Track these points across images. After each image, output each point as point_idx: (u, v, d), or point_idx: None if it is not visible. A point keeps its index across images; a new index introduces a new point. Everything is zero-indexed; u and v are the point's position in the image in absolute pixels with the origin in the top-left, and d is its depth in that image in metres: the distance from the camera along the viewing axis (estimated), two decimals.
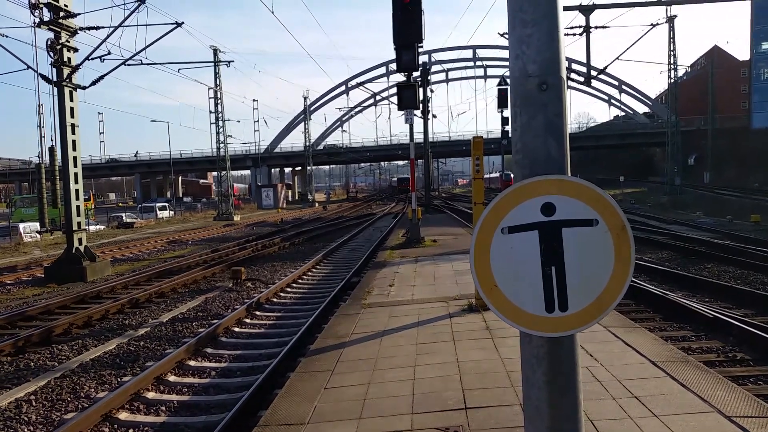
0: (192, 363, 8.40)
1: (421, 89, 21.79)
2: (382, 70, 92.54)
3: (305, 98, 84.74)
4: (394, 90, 17.46)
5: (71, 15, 18.39)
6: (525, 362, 2.06)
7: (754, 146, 58.49)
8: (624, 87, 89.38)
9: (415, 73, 17.08)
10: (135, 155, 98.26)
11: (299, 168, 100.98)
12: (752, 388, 6.03)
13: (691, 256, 16.68)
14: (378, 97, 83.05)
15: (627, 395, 4.84)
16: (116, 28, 19.04)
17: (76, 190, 19.20)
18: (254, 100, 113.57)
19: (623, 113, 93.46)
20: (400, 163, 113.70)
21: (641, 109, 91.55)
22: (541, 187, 1.95)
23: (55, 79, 18.43)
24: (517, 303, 2.00)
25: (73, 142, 18.94)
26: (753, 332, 7.55)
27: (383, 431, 4.52)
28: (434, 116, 64.22)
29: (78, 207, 19.33)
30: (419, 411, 4.86)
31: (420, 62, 18.10)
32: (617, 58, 23.85)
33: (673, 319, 9.12)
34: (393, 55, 14.94)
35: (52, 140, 19.86)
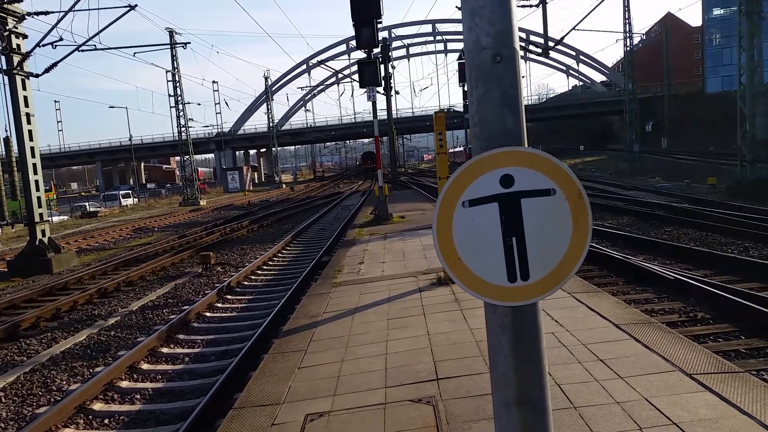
0: (165, 350, 8.36)
1: (382, 66, 21.68)
2: (343, 47, 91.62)
3: (266, 78, 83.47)
4: (355, 67, 17.32)
5: None
6: (490, 332, 2.10)
7: (708, 111, 59.66)
8: (581, 57, 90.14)
9: (376, 50, 16.99)
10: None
11: (264, 149, 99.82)
12: (712, 346, 6.27)
13: (651, 221, 17.11)
14: (340, 75, 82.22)
15: (593, 359, 5.00)
16: (66, 12, 18.46)
17: (36, 181, 18.74)
18: (214, 82, 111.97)
19: (582, 83, 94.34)
20: (366, 140, 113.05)
21: (599, 78, 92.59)
22: (499, 160, 1.98)
23: (5, 67, 17.83)
24: (480, 274, 2.03)
25: (30, 132, 18.42)
26: (712, 291, 7.81)
27: (357, 406, 4.59)
28: (397, 92, 64.07)
29: (39, 198, 18.89)
30: (392, 385, 4.94)
31: (380, 38, 17.97)
32: (574, 29, 24.07)
33: (635, 282, 9.37)
34: (353, 32, 14.83)
35: (6, 131, 19.35)
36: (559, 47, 72.20)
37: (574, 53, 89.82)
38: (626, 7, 56.85)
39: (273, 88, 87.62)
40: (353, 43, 17.06)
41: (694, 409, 3.88)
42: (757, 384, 4.20)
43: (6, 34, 17.54)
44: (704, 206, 20.09)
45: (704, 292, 7.93)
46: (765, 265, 9.53)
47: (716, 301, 7.61)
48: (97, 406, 6.49)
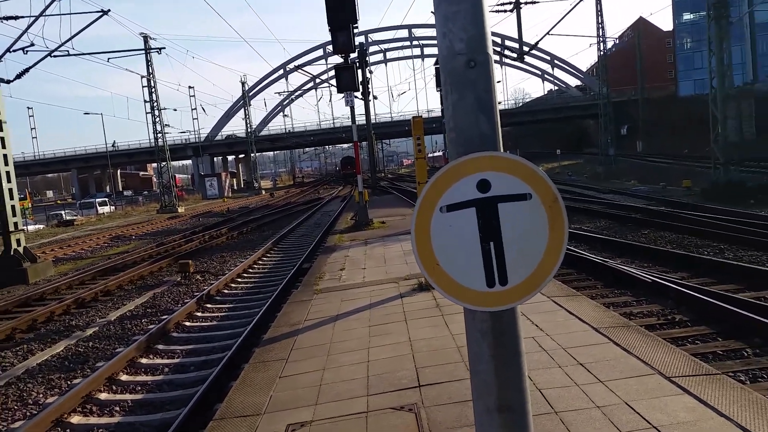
0: (144, 361, 8.25)
1: (359, 70, 21.69)
2: (320, 52, 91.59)
3: (243, 83, 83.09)
4: (333, 72, 17.33)
5: None
6: (470, 338, 2.11)
7: (681, 114, 60.56)
8: (556, 61, 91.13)
9: (353, 54, 17.00)
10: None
11: (242, 155, 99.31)
12: (690, 348, 6.33)
13: (627, 224, 17.29)
14: (318, 80, 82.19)
15: (572, 363, 5.02)
16: (37, 17, 18.24)
17: (10, 190, 18.43)
18: (190, 87, 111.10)
19: (557, 87, 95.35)
20: (345, 146, 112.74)
21: (574, 82, 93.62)
22: (475, 165, 1.98)
23: None
24: (459, 280, 2.03)
25: (2, 139, 18.14)
26: (689, 294, 7.89)
27: (339, 415, 4.56)
28: (375, 97, 64.13)
29: (13, 207, 18.59)
30: (374, 392, 4.92)
31: (357, 43, 18.02)
32: (548, 33, 24.35)
33: (613, 285, 9.45)
34: (329, 37, 14.83)
35: None
36: (534, 52, 72.81)
37: (549, 58, 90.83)
38: (599, 12, 57.65)
39: (250, 94, 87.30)
40: (330, 48, 17.04)
41: (674, 412, 3.91)
42: (734, 386, 4.25)
43: None
44: (680, 209, 20.38)
45: (682, 295, 8.00)
46: (740, 267, 9.67)
47: (693, 303, 7.69)
48: (75, 419, 6.37)
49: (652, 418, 3.86)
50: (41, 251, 24.14)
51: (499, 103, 2.13)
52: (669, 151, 54.35)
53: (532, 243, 2.02)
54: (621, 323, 6.01)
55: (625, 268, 10.03)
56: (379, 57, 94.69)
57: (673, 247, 12.87)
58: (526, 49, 27.04)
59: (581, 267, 10.73)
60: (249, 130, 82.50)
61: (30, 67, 19.33)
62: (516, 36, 24.70)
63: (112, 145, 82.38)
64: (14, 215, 18.62)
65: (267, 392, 5.25)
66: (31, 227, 38.98)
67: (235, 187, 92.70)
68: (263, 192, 78.18)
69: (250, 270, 15.02)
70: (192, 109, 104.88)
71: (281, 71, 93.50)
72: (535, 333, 5.89)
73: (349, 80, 15.79)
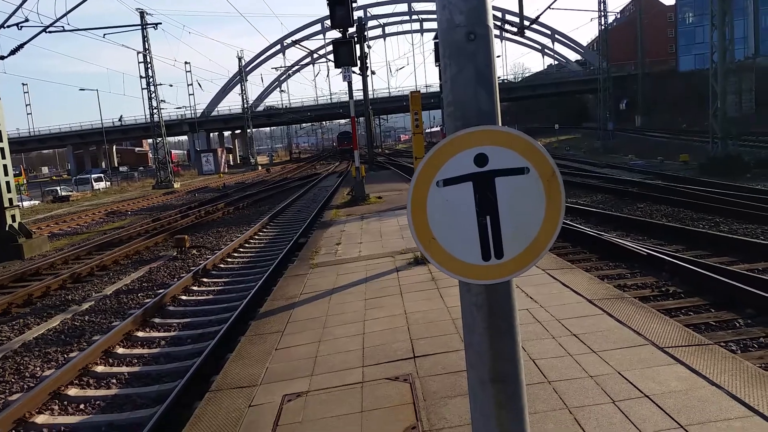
0: (140, 334, 8.30)
1: (357, 45, 21.48)
2: (318, 27, 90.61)
3: (240, 59, 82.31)
4: (330, 47, 17.18)
5: None
6: (465, 310, 2.12)
7: (681, 88, 60.34)
8: (557, 36, 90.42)
9: (351, 29, 16.82)
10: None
11: (239, 131, 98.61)
12: (683, 319, 6.40)
13: (624, 198, 17.34)
14: (315, 55, 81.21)
15: (566, 334, 5.07)
16: None
17: (4, 166, 18.32)
18: (186, 63, 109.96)
19: (557, 62, 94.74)
20: (342, 121, 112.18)
21: (574, 57, 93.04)
22: (473, 139, 1.97)
23: None
24: (454, 253, 2.04)
25: None
26: (683, 266, 7.96)
27: (335, 386, 4.62)
28: (373, 73, 63.59)
29: (8, 183, 18.49)
30: (370, 363, 4.97)
31: (355, 17, 17.82)
32: (549, 7, 24.04)
33: (608, 258, 9.51)
34: (328, 12, 14.66)
35: None
36: (534, 26, 72.11)
37: (549, 32, 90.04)
38: None
39: (247, 69, 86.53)
40: (328, 22, 16.85)
41: (666, 382, 3.97)
42: (725, 355, 4.31)
43: None
44: (676, 183, 20.41)
45: (676, 267, 8.07)
46: (735, 240, 9.73)
47: (687, 275, 7.76)
48: (72, 391, 6.43)
49: (645, 387, 3.92)
50: (37, 227, 24.12)
51: (499, 77, 2.12)
52: (668, 126, 54.23)
53: (528, 217, 2.02)
54: (615, 295, 6.06)
55: (620, 241, 10.07)
56: (378, 32, 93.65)
57: (668, 220, 12.92)
58: (526, 23, 26.79)
59: (577, 240, 10.78)
60: (245, 105, 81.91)
61: (24, 43, 19.08)
62: (516, 10, 24.44)
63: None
64: (9, 191, 18.54)
65: (263, 364, 5.30)
66: (26, 203, 38.88)
67: (232, 163, 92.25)
68: (260, 168, 77.87)
69: (246, 245, 15.04)
70: (188, 85, 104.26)
71: (278, 46, 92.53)
72: (529, 305, 5.93)
73: (347, 55, 15.65)
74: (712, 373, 4.02)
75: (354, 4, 14.59)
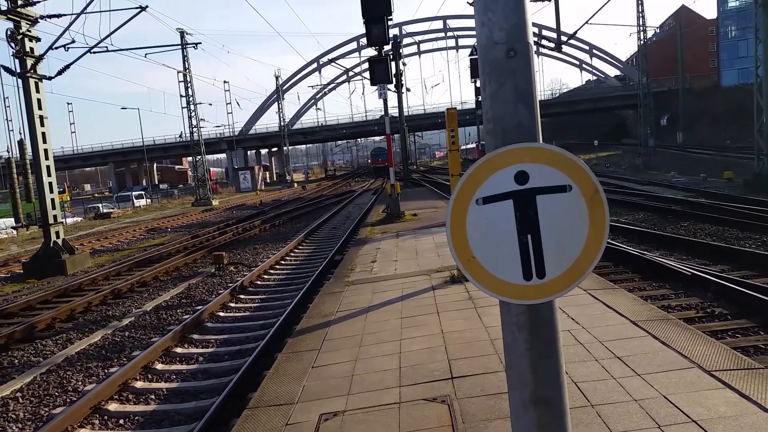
0: (179, 350, 8.39)
1: (393, 63, 21.60)
2: (353, 45, 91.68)
3: (277, 77, 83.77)
4: (366, 65, 17.29)
5: (30, 3, 17.88)
6: (506, 330, 2.07)
7: (724, 104, 59.07)
8: (595, 51, 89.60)
9: (386, 47, 16.94)
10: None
11: (275, 149, 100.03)
12: (730, 342, 6.17)
13: (667, 216, 16.94)
14: (351, 73, 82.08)
15: (609, 356, 4.94)
16: (78, 15, 18.61)
17: (50, 183, 18.88)
18: (225, 82, 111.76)
19: (595, 77, 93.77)
20: (377, 138, 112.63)
21: (612, 72, 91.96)
22: (513, 156, 1.94)
23: (18, 70, 17.98)
24: (494, 272, 2.00)
25: (43, 134, 18.57)
26: (730, 287, 7.71)
27: (372, 406, 4.57)
28: (408, 90, 63.98)
29: (53, 200, 19.05)
30: (407, 383, 4.91)
31: (390, 35, 17.90)
32: (587, 23, 23.87)
33: (651, 278, 9.28)
34: (363, 30, 14.78)
35: (20, 133, 19.44)
36: (572, 42, 71.71)
37: (587, 47, 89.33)
38: (640, 1, 56.35)
39: (284, 87, 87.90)
40: (364, 41, 17.00)
41: (714, 407, 3.82)
42: None
43: (20, 37, 17.68)
44: (720, 200, 19.87)
45: (722, 288, 7.82)
46: None
47: (734, 296, 7.51)
48: (112, 406, 6.51)
49: (692, 412, 3.77)
50: (79, 243, 24.76)
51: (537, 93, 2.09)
52: (710, 142, 53.05)
53: (571, 236, 1.98)
54: (659, 316, 5.89)
55: (663, 260, 9.82)
56: (413, 49, 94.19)
57: (713, 239, 12.57)
58: (564, 38, 26.60)
59: (619, 260, 10.55)
60: (282, 123, 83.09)
61: (71, 64, 19.74)
62: (553, 26, 24.28)
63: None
64: (53, 208, 19.08)
65: (300, 382, 5.29)
66: (69, 220, 39.97)
67: (268, 180, 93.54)
68: (295, 185, 78.74)
69: (282, 262, 15.14)
70: (227, 104, 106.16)
71: (314, 65, 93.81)
72: (571, 326, 5.80)
73: (382, 73, 15.73)
74: (763, 399, 3.85)
75: (390, 22, 14.67)
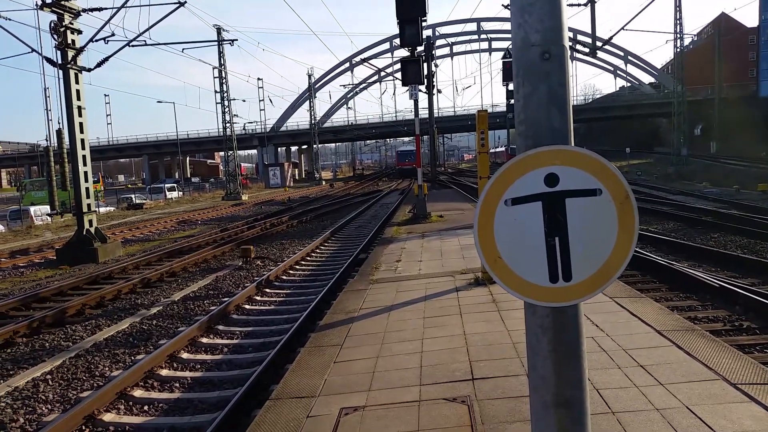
0: (204, 340, 8.52)
1: (425, 64, 21.60)
2: (386, 45, 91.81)
3: (309, 76, 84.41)
4: (398, 66, 17.32)
5: None
6: (530, 332, 2.08)
7: (761, 115, 57.76)
8: (630, 57, 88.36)
9: (419, 48, 16.95)
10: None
11: (305, 146, 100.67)
12: (758, 356, 6.07)
13: (697, 226, 16.66)
14: (382, 73, 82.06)
15: (632, 364, 4.89)
16: (119, 9, 18.95)
17: (85, 173, 19.28)
18: (259, 79, 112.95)
19: (629, 84, 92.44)
20: (406, 139, 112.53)
21: (647, 79, 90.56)
22: (544, 158, 1.95)
23: (59, 61, 18.39)
24: (521, 274, 2.01)
25: (80, 124, 18.96)
26: (759, 301, 7.56)
27: (392, 402, 4.60)
28: (439, 91, 63.79)
29: (87, 189, 19.44)
30: (427, 382, 4.93)
31: (424, 36, 17.92)
32: (622, 28, 23.58)
33: (679, 289, 9.15)
34: (397, 30, 14.83)
35: (59, 123, 19.99)
36: (606, 47, 70.86)
37: (622, 53, 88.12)
38: (677, 7, 55.41)
39: (316, 86, 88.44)
40: (397, 41, 17.04)
41: (738, 420, 3.77)
42: None
43: (62, 30, 18.08)
44: (753, 213, 19.46)
45: (751, 301, 7.68)
46: None
47: (763, 310, 7.37)
48: (138, 392, 6.65)
49: (715, 425, 3.73)
50: (111, 232, 25.21)
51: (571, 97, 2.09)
52: (745, 153, 51.90)
53: (599, 240, 1.98)
54: (685, 327, 5.81)
55: (691, 271, 9.68)
56: (446, 51, 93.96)
57: (743, 251, 12.33)
58: (599, 44, 26.33)
59: (646, 269, 10.42)
60: (313, 121, 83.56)
61: (110, 56, 20.13)
62: (588, 31, 24.03)
63: (176, 134, 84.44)
64: (88, 197, 19.48)
65: (322, 376, 5.34)
66: (102, 209, 40.72)
67: (297, 177, 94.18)
68: (323, 183, 79.16)
69: (308, 258, 15.25)
70: (260, 101, 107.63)
71: (347, 64, 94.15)
72: (595, 333, 5.76)
73: (414, 74, 15.76)
74: None
75: (423, 24, 14.68)
